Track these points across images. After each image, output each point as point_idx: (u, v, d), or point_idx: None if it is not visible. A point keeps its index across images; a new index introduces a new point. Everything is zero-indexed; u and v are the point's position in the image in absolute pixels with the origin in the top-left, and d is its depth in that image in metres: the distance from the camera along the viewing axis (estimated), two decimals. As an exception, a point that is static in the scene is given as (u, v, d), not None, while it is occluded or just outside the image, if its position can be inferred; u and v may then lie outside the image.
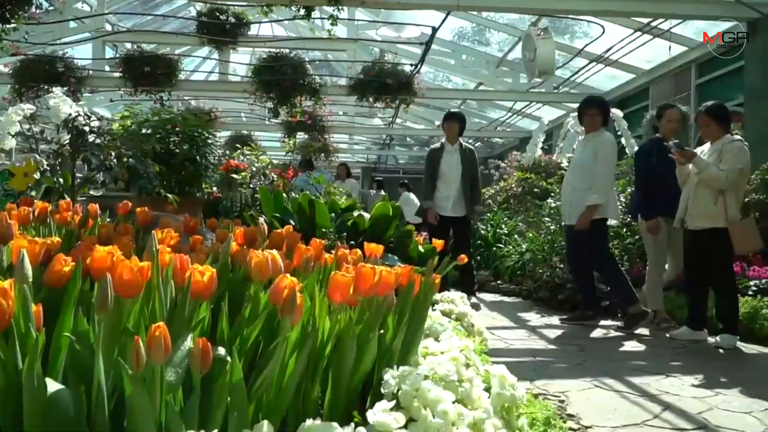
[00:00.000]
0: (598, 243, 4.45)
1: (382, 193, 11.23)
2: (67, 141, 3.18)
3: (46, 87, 8.05)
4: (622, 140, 7.72)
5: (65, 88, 7.87)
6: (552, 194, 7.39)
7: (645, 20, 7.22)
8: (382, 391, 1.41)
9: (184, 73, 9.70)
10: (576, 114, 5.04)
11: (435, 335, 2.07)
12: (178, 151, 3.64)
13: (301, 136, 11.63)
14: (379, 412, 1.25)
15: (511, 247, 6.96)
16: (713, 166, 3.70)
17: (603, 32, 7.84)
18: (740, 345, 3.75)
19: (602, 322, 4.54)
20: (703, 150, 3.90)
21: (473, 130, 14.44)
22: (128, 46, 9.05)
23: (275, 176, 5.84)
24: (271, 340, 1.43)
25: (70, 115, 3.19)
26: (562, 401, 2.52)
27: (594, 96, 4.92)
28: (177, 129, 3.71)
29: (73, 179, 3.16)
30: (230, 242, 1.72)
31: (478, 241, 7.55)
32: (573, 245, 4.65)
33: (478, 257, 7.27)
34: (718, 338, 3.74)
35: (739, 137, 3.79)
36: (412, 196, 12.40)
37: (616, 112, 6.35)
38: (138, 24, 9.46)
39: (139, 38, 9.02)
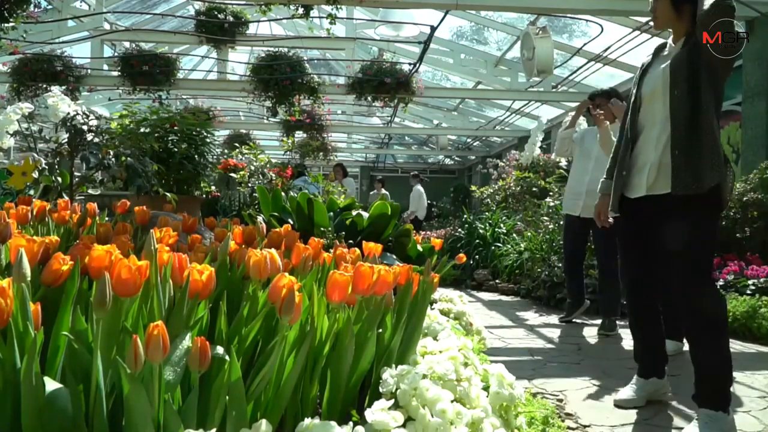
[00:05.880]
0: None
1: (383, 191, 11.23)
2: (66, 140, 3.18)
3: (44, 86, 8.06)
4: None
5: (63, 87, 7.90)
6: (551, 193, 7.39)
7: (643, 19, 7.22)
8: (381, 390, 1.41)
9: (183, 71, 9.68)
10: (573, 113, 4.96)
11: (433, 334, 2.08)
12: (176, 150, 3.64)
13: (299, 135, 11.64)
14: (377, 411, 1.25)
15: (509, 246, 6.95)
16: None
17: (601, 31, 7.84)
18: (740, 345, 3.76)
19: (598, 321, 4.54)
20: None
21: (472, 129, 14.48)
22: (126, 44, 9.04)
23: (274, 175, 5.85)
24: (269, 339, 1.43)
25: (69, 114, 3.18)
26: (560, 400, 2.53)
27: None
28: (175, 128, 3.71)
29: (71, 178, 3.16)
30: (228, 241, 1.72)
31: (477, 240, 7.54)
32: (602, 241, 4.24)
33: (477, 256, 7.26)
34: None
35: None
36: (424, 192, 12.38)
37: (615, 111, 6.37)
38: (136, 23, 9.45)
39: (138, 37, 9.00)
